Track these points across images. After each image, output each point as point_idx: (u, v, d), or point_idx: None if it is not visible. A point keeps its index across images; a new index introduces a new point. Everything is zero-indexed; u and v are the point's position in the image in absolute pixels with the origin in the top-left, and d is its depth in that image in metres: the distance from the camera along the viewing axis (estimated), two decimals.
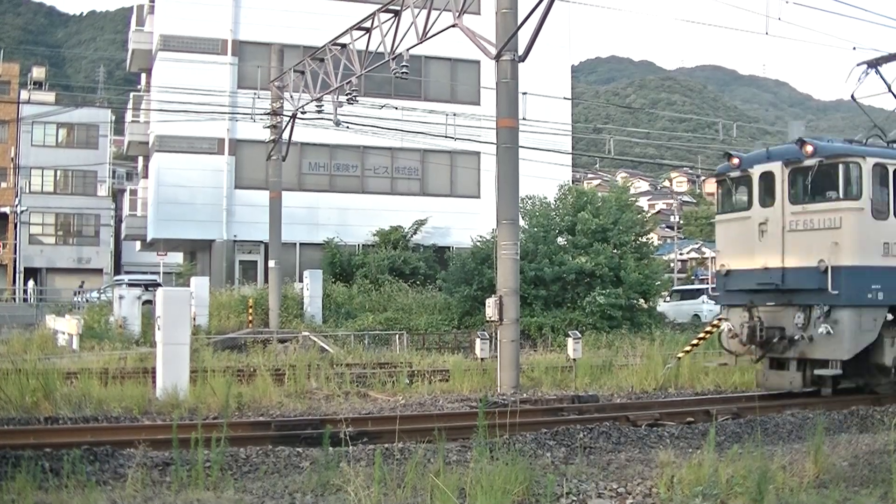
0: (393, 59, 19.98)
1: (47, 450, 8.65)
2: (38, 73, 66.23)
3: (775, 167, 13.97)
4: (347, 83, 23.07)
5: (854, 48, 35.29)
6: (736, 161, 14.67)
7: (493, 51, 15.82)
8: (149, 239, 41.07)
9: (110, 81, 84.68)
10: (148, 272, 47.65)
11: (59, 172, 59.03)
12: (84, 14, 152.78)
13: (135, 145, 44.89)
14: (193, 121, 32.65)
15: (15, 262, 57.32)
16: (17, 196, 57.66)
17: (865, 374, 13.96)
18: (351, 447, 8.86)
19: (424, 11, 18.77)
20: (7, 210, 57.53)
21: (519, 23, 15.64)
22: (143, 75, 46.46)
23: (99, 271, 57.98)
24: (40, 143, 58.63)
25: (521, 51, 15.65)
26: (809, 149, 13.38)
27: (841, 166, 13.26)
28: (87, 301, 38.98)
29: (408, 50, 19.58)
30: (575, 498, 7.39)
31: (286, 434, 10.15)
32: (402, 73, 19.92)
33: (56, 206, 59.00)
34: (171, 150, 36.56)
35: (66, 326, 23.54)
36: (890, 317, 13.61)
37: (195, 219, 36.43)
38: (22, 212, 57.17)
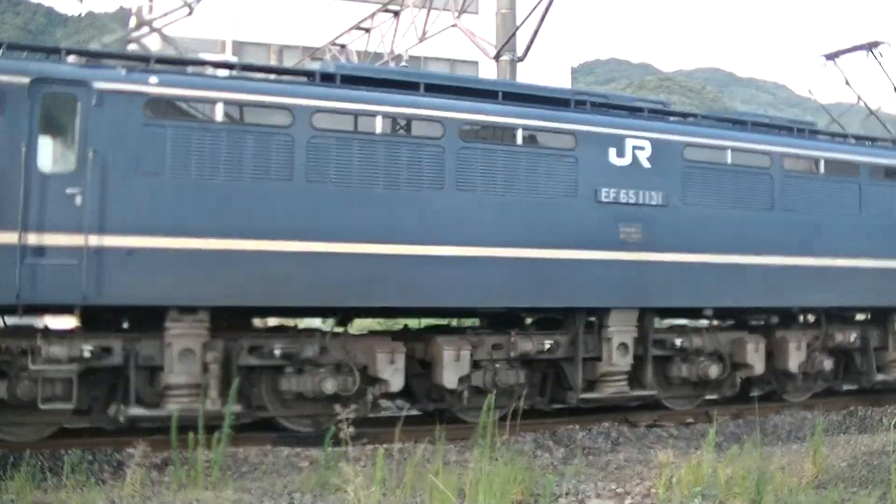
0: (392, 59, 19.99)
1: (46, 449, 8.65)
2: None
3: None
4: None
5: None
6: None
7: (493, 51, 15.83)
8: None
9: None
10: None
11: None
12: (83, 14, 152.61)
13: None
14: None
15: None
16: None
17: None
18: (350, 447, 8.85)
19: (424, 11, 18.78)
20: None
21: (518, 23, 15.65)
22: None
23: None
24: None
25: (520, 51, 15.65)
26: None
27: None
28: None
29: (407, 50, 19.60)
30: (574, 498, 7.38)
31: (285, 434, 10.15)
32: None
33: None
34: None
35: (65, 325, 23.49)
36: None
37: None
38: None
